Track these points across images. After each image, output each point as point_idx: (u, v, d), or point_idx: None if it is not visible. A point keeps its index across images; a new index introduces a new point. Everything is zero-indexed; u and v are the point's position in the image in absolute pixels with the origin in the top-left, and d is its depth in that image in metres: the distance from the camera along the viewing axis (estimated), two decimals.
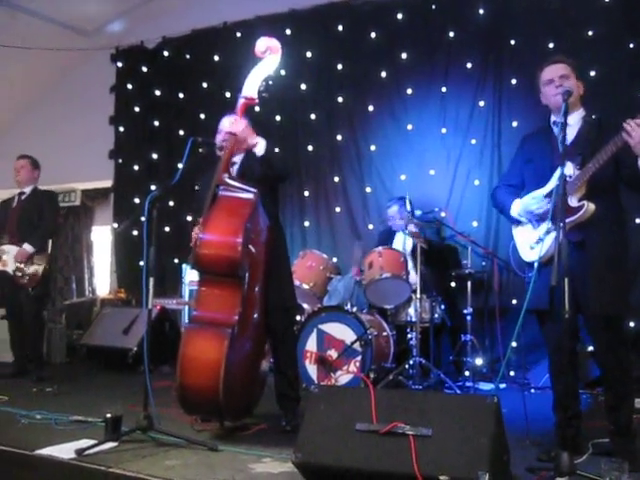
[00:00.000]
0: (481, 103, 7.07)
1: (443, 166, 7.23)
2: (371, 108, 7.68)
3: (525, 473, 3.26)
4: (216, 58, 8.67)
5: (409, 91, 7.47)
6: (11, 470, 3.61)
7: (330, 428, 2.99)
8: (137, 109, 9.39)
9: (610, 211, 3.56)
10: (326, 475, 2.94)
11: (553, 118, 3.77)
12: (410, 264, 6.04)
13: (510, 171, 4.10)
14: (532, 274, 3.55)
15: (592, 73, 6.32)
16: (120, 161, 9.49)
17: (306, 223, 7.96)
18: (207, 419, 4.29)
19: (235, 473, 3.26)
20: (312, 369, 5.70)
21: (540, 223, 3.68)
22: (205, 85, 8.78)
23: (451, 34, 7.25)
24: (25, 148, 7.08)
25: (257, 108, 4.69)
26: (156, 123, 9.21)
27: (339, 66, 7.87)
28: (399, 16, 7.50)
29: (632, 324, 5.83)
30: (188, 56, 8.97)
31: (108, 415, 3.81)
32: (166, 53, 9.14)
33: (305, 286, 6.02)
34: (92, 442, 3.65)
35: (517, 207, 3.80)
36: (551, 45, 6.61)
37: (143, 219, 4.05)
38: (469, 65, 7.14)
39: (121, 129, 9.52)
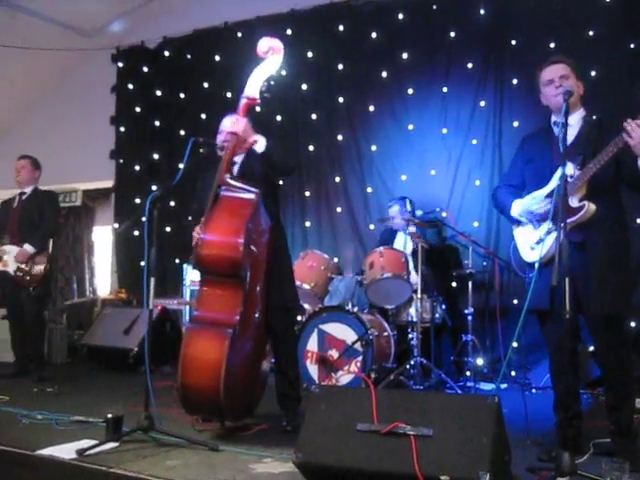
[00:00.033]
0: (482, 103, 7.07)
1: (444, 166, 7.23)
2: (372, 108, 7.69)
3: (526, 473, 3.26)
4: (217, 58, 8.68)
5: (410, 91, 7.47)
6: (12, 470, 3.61)
7: (331, 428, 2.99)
8: (138, 109, 9.39)
9: (611, 211, 3.56)
10: (327, 475, 2.94)
11: (553, 118, 3.77)
12: (411, 264, 6.04)
13: (510, 171, 4.10)
14: (533, 274, 3.55)
15: (593, 73, 6.32)
16: (121, 161, 9.50)
17: (307, 223, 7.96)
18: (208, 419, 4.29)
19: (236, 473, 3.26)
20: (313, 369, 5.70)
21: (541, 223, 3.68)
22: (206, 85, 8.78)
23: (452, 34, 7.25)
24: (26, 148, 7.08)
25: (258, 108, 4.69)
26: (157, 123, 9.21)
27: (340, 66, 7.87)
28: (400, 16, 7.51)
29: (633, 324, 5.84)
30: (189, 56, 8.98)
31: (109, 415, 3.80)
32: (167, 53, 9.14)
33: (306, 286, 6.02)
34: (93, 442, 3.65)
35: (517, 208, 3.80)
36: (552, 45, 6.62)
37: (144, 219, 4.05)
38: (470, 65, 7.14)
39: (122, 129, 9.52)
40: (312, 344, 5.72)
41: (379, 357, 5.66)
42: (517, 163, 4.00)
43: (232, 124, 4.24)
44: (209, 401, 3.85)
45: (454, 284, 6.79)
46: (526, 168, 3.88)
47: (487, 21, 7.09)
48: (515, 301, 6.43)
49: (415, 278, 5.84)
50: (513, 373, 6.31)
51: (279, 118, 8.13)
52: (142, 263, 7.09)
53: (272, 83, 4.33)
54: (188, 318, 7.62)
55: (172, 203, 8.61)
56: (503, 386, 5.97)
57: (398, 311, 6.06)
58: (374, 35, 7.66)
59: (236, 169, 4.36)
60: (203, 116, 8.69)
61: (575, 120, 3.67)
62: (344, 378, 5.57)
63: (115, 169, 9.56)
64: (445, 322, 6.19)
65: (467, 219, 6.99)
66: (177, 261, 8.41)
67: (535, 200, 3.70)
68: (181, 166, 4.15)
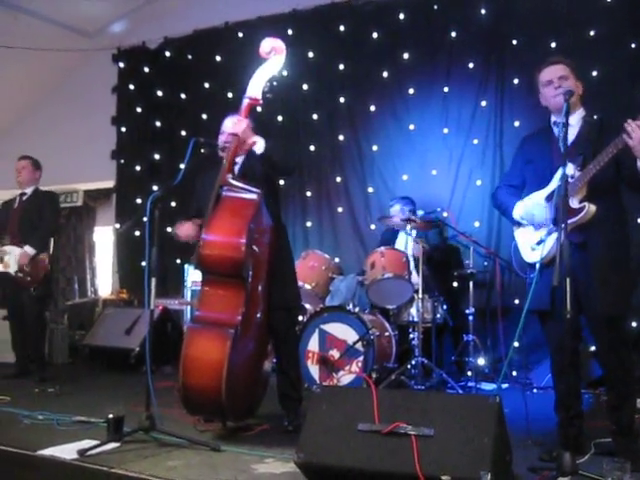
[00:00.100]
0: (483, 103, 7.07)
1: (445, 166, 7.23)
2: (373, 108, 7.69)
3: (527, 473, 3.26)
4: (218, 58, 8.68)
5: (411, 91, 7.47)
6: (13, 470, 3.61)
7: (332, 428, 2.99)
8: (139, 109, 9.39)
9: (611, 212, 3.56)
10: (328, 475, 2.94)
11: (553, 119, 3.77)
12: (412, 264, 6.04)
13: (511, 172, 4.10)
14: (534, 275, 3.55)
15: (594, 73, 6.32)
16: (122, 161, 9.50)
17: (308, 223, 7.96)
18: (210, 419, 4.29)
19: (238, 473, 3.26)
20: (314, 369, 5.70)
21: (541, 226, 3.68)
22: (207, 85, 8.78)
23: (453, 34, 7.25)
24: (27, 149, 7.08)
25: (259, 108, 4.69)
26: (158, 123, 9.21)
27: (341, 66, 7.87)
28: (401, 16, 7.50)
29: (634, 324, 5.84)
30: (190, 56, 8.97)
31: (110, 415, 3.80)
32: (168, 53, 9.14)
33: (307, 286, 6.02)
34: (94, 442, 3.66)
35: (520, 210, 3.79)
36: (553, 45, 6.61)
37: (145, 219, 4.06)
38: (471, 65, 7.14)
39: (123, 129, 9.52)
40: (313, 344, 5.72)
41: (380, 357, 5.66)
42: (517, 163, 4.00)
43: (233, 125, 4.25)
44: (211, 401, 3.85)
45: (455, 284, 6.79)
46: (526, 168, 3.88)
47: (488, 21, 7.09)
48: (516, 301, 6.43)
49: (416, 278, 5.83)
50: (514, 373, 6.31)
51: (280, 118, 8.13)
52: (143, 263, 7.09)
53: (274, 84, 4.33)
54: (189, 318, 7.62)
55: (173, 203, 8.59)
56: (504, 386, 5.97)
57: (399, 311, 6.06)
58: (375, 35, 7.65)
59: (237, 169, 4.36)
60: (204, 116, 8.69)
61: (575, 120, 3.67)
62: (345, 378, 5.57)
63: (116, 169, 9.55)
64: (446, 322, 6.19)
65: (468, 219, 6.99)
66: (178, 261, 8.40)
67: (536, 205, 3.69)
68: (182, 166, 4.14)
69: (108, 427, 3.79)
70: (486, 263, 6.76)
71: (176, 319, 7.73)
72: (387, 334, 5.91)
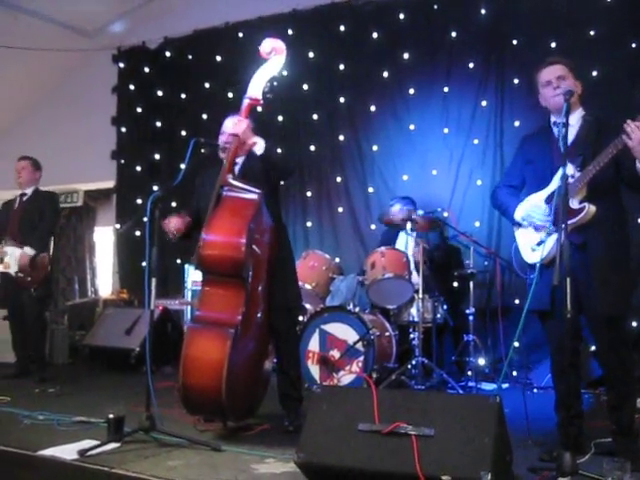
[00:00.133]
0: (483, 103, 7.07)
1: (445, 166, 7.23)
2: (373, 108, 7.69)
3: (527, 473, 3.26)
4: (218, 58, 8.67)
5: (411, 91, 7.47)
6: (13, 471, 3.61)
7: (332, 428, 2.99)
8: (139, 110, 9.39)
9: (611, 212, 3.56)
10: (328, 475, 2.94)
11: (553, 119, 3.77)
12: (412, 264, 6.04)
13: (510, 172, 4.10)
14: (534, 275, 3.55)
15: (594, 73, 6.32)
16: (122, 162, 9.49)
17: (308, 223, 7.96)
18: (210, 419, 4.29)
19: (238, 473, 3.26)
20: (315, 369, 5.70)
21: (541, 228, 3.69)
22: (207, 85, 8.78)
23: (453, 34, 7.25)
24: (27, 149, 7.08)
25: (259, 108, 4.70)
26: (158, 124, 9.21)
27: (341, 66, 7.87)
28: (401, 16, 7.50)
29: (634, 324, 5.84)
30: (190, 56, 8.97)
31: (111, 416, 3.81)
32: (168, 53, 9.14)
33: (308, 286, 6.02)
34: (95, 443, 3.66)
35: (521, 212, 3.79)
36: (553, 45, 6.61)
37: (145, 220, 4.06)
38: (471, 65, 7.14)
39: (123, 130, 9.52)
40: (314, 344, 5.72)
41: (380, 357, 5.66)
42: (517, 163, 4.00)
43: (234, 125, 4.25)
44: (211, 401, 3.85)
45: (455, 284, 6.79)
46: (526, 169, 3.88)
47: (488, 21, 7.09)
48: (516, 301, 6.43)
49: (416, 278, 5.83)
50: (514, 373, 6.31)
51: (280, 118, 8.13)
52: (143, 263, 7.08)
53: (275, 84, 4.34)
54: (190, 318, 7.62)
55: (173, 204, 8.57)
56: (504, 386, 5.97)
57: (399, 311, 6.06)
58: (375, 35, 7.65)
59: (237, 170, 4.36)
60: (204, 116, 8.68)
61: (575, 120, 3.67)
62: (345, 378, 5.57)
63: (116, 169, 9.55)
64: (446, 322, 6.20)
65: (468, 219, 6.99)
66: (178, 261, 8.41)
67: (537, 208, 3.69)
68: (182, 166, 4.15)
69: (108, 427, 3.79)
70: (486, 263, 6.76)
71: (176, 319, 7.73)
72: (387, 334, 5.90)
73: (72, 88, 9.82)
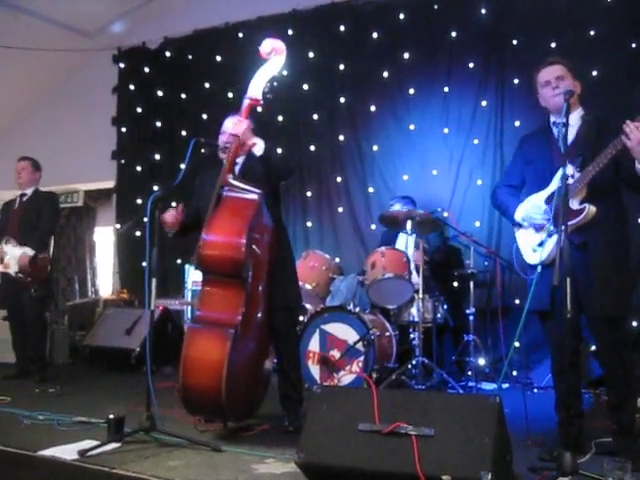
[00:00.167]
0: (483, 103, 7.07)
1: (445, 166, 7.23)
2: (373, 108, 7.69)
3: (528, 473, 3.26)
4: (218, 58, 8.67)
5: (411, 91, 7.47)
6: (13, 471, 3.61)
7: (333, 428, 2.99)
8: (139, 110, 9.39)
9: (612, 212, 3.56)
10: (329, 475, 2.94)
11: (552, 119, 3.77)
12: (412, 264, 6.03)
13: (510, 172, 4.10)
14: (535, 276, 3.55)
15: (594, 73, 6.32)
16: (122, 162, 9.50)
17: (309, 223, 7.96)
18: (210, 419, 4.29)
19: (238, 474, 3.26)
20: (315, 369, 5.70)
21: (542, 227, 3.69)
22: (207, 85, 8.78)
23: (453, 34, 7.25)
24: (27, 149, 7.08)
25: (259, 109, 4.70)
26: (158, 124, 9.21)
27: (341, 66, 7.87)
28: (401, 16, 7.50)
29: (635, 323, 5.84)
30: (190, 57, 8.97)
31: (111, 416, 3.81)
32: (168, 54, 9.14)
33: (308, 286, 6.02)
34: (95, 443, 3.66)
35: (521, 212, 3.79)
36: (553, 45, 6.61)
37: (146, 220, 4.06)
38: (471, 65, 7.14)
39: (123, 130, 9.52)
40: (314, 344, 5.72)
41: (381, 357, 5.66)
42: (517, 163, 4.00)
43: (234, 125, 4.25)
44: (211, 402, 3.85)
45: (456, 284, 6.79)
46: (526, 169, 3.88)
47: (488, 21, 7.09)
48: (517, 301, 6.42)
49: (417, 278, 5.83)
50: (515, 373, 6.31)
51: (280, 118, 8.13)
52: (144, 263, 7.09)
53: (275, 84, 4.34)
54: (190, 318, 7.62)
55: (173, 204, 8.51)
56: (505, 386, 5.97)
57: (400, 311, 6.06)
58: (375, 35, 7.65)
59: (237, 170, 4.36)
60: (204, 116, 8.69)
61: (574, 120, 3.67)
62: (346, 378, 5.57)
63: (116, 169, 9.55)
64: (447, 322, 6.20)
65: (469, 219, 6.99)
66: (179, 261, 8.41)
67: (537, 209, 3.69)
68: (182, 166, 4.15)
69: (109, 427, 3.80)
70: (487, 263, 6.76)
71: (176, 319, 7.73)
72: (388, 334, 5.90)
73: (72, 88, 9.83)
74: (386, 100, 7.62)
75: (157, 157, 9.14)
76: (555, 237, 3.45)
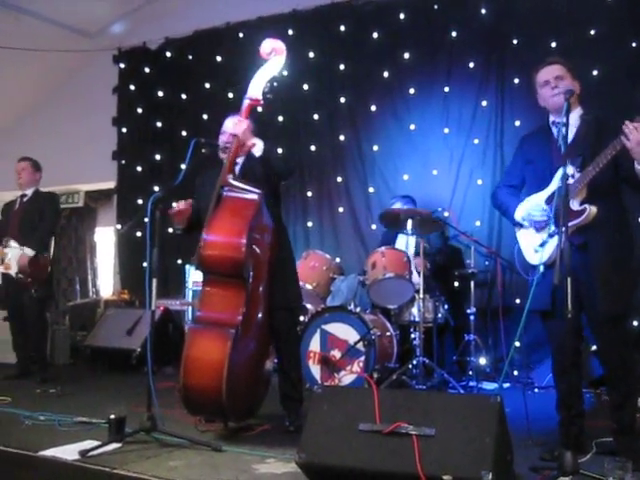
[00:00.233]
0: (484, 103, 7.07)
1: (446, 166, 7.23)
2: (373, 108, 7.69)
3: (528, 472, 3.26)
4: (218, 59, 8.67)
5: (411, 91, 7.46)
6: (14, 471, 3.62)
7: (333, 428, 2.99)
8: (140, 110, 9.39)
9: (612, 212, 3.56)
10: (329, 475, 2.94)
11: (552, 118, 3.77)
12: (413, 264, 6.03)
13: (510, 172, 4.10)
14: (537, 276, 3.55)
15: (594, 73, 6.32)
16: (123, 162, 9.49)
17: (309, 223, 7.96)
18: (211, 420, 4.29)
19: (239, 473, 3.26)
20: (315, 369, 5.70)
21: (542, 227, 3.69)
22: (208, 86, 8.78)
23: (453, 34, 7.24)
24: (28, 149, 7.09)
25: (259, 109, 4.70)
26: (159, 124, 9.21)
27: (341, 66, 7.87)
28: (401, 16, 7.50)
29: (635, 323, 5.83)
30: (190, 57, 8.97)
31: (112, 416, 3.82)
32: (168, 54, 9.14)
33: (308, 286, 6.02)
34: (96, 443, 3.66)
35: (521, 212, 3.79)
36: (553, 44, 6.61)
37: (146, 220, 4.07)
38: (472, 65, 7.13)
39: (124, 130, 9.52)
40: (314, 344, 5.72)
41: (381, 357, 5.65)
42: (517, 163, 4.00)
43: (234, 125, 4.25)
44: (211, 402, 3.85)
45: (456, 284, 6.79)
46: (526, 169, 3.88)
47: (488, 20, 7.08)
48: (518, 300, 6.42)
49: (417, 278, 5.83)
50: (516, 372, 6.31)
51: (281, 118, 8.13)
52: (144, 264, 7.09)
53: (275, 84, 4.34)
54: (190, 319, 7.62)
55: (174, 204, 8.59)
56: (505, 386, 5.97)
57: (400, 311, 6.06)
58: (375, 35, 7.65)
59: (237, 170, 4.36)
60: (205, 117, 8.69)
61: (574, 119, 3.67)
62: (346, 378, 5.57)
63: (117, 170, 9.55)
64: (447, 322, 6.20)
65: (469, 219, 6.99)
66: (179, 262, 8.41)
67: (537, 207, 3.70)
68: (183, 167, 4.15)
69: (110, 428, 3.80)
70: (487, 263, 6.76)
71: (177, 320, 7.73)
72: (388, 334, 5.90)
73: (73, 89, 9.83)
74: (386, 100, 7.62)
75: (157, 157, 9.14)
76: (556, 238, 3.44)
